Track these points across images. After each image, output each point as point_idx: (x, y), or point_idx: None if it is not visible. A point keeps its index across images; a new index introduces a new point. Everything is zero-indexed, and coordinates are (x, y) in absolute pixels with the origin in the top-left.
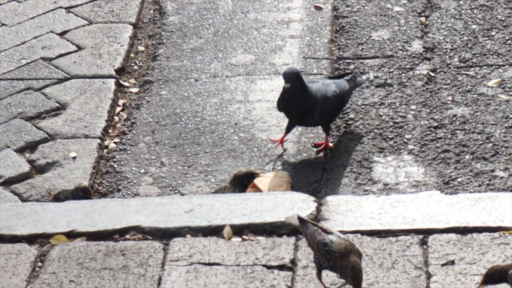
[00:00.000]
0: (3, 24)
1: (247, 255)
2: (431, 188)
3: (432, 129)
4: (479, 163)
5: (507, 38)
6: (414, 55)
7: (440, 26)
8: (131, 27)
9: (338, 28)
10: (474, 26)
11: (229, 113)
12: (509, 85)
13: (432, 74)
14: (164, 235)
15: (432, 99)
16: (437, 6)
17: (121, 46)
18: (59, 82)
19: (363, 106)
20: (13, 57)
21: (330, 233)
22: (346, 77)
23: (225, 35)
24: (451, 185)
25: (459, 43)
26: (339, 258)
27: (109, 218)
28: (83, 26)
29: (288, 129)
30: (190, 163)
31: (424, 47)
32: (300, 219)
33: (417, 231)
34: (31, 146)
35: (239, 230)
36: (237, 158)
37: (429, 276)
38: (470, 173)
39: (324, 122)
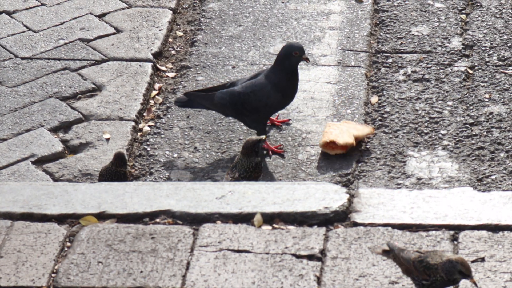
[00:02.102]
0: (42, 4)
1: (277, 243)
2: (464, 184)
3: (467, 125)
4: None
5: None
6: (453, 51)
7: (480, 24)
8: (171, 12)
9: (378, 22)
10: None
11: None
12: None
13: (470, 71)
14: (194, 220)
15: (469, 96)
16: (478, 4)
17: (159, 30)
18: (96, 64)
19: (399, 100)
20: (51, 37)
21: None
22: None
23: (264, 24)
24: (484, 182)
25: (498, 41)
26: (439, 268)
27: (140, 201)
28: (123, 9)
29: None
30: (223, 149)
31: (463, 44)
32: (389, 247)
33: (448, 227)
34: (65, 126)
35: (270, 219)
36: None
37: None
38: (504, 171)
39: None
